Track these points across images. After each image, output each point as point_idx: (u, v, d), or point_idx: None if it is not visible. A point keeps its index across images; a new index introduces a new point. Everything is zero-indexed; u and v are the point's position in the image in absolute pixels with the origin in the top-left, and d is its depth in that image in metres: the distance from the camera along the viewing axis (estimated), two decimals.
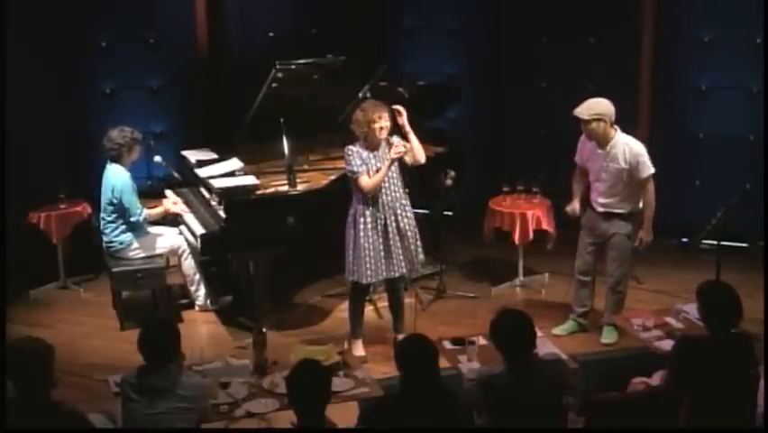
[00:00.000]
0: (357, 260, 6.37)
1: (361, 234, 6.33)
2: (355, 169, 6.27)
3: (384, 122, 6.27)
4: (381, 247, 6.36)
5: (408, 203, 6.50)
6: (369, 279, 6.43)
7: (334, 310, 7.36)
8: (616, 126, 6.43)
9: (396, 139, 6.40)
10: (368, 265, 6.36)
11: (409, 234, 6.45)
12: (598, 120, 6.36)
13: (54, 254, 7.80)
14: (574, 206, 6.73)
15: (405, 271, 6.51)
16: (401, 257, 6.43)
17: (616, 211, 6.53)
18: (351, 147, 6.33)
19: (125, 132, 7.12)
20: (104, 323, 7.28)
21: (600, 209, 6.59)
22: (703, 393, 4.66)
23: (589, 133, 6.43)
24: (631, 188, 6.47)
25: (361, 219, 6.33)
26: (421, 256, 6.56)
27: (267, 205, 6.82)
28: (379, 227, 6.34)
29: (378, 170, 6.29)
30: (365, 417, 4.45)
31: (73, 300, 7.73)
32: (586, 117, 6.37)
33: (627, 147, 6.40)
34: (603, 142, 6.43)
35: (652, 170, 6.42)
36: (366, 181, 6.28)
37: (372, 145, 6.32)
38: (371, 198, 6.31)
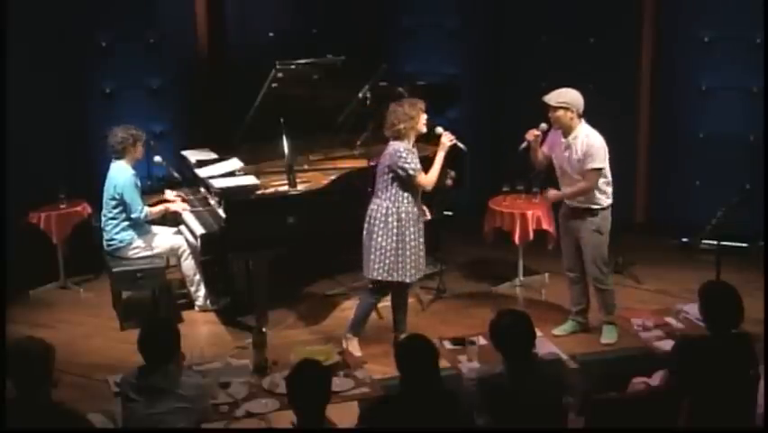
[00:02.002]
0: (402, 258, 6.33)
1: (407, 232, 6.32)
2: (416, 167, 6.25)
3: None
4: (420, 243, 6.40)
5: None
6: (412, 277, 6.44)
7: (334, 310, 7.36)
8: (582, 119, 6.46)
9: (440, 129, 6.43)
10: (411, 264, 6.37)
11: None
12: (565, 109, 6.41)
13: (54, 254, 7.80)
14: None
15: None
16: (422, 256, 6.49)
17: (582, 206, 6.55)
18: (401, 146, 6.26)
19: (129, 128, 7.17)
20: (104, 323, 7.28)
21: (568, 203, 6.63)
22: (703, 393, 4.66)
23: (555, 120, 6.47)
24: None
25: (406, 217, 6.31)
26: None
27: (267, 205, 6.82)
28: (419, 224, 6.38)
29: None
30: (365, 417, 4.44)
31: (73, 300, 7.73)
32: (553, 104, 6.42)
33: (586, 138, 6.44)
34: (567, 131, 6.48)
35: (598, 165, 6.41)
36: (425, 178, 6.29)
37: (412, 140, 6.32)
38: (418, 196, 6.34)
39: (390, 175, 6.30)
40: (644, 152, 8.66)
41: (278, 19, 9.09)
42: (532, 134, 6.58)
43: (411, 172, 6.25)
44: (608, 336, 6.76)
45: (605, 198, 6.55)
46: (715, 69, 8.29)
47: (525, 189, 7.75)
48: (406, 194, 6.32)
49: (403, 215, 6.32)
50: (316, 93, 7.19)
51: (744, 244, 7.95)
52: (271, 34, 9.01)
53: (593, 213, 6.54)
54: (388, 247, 6.33)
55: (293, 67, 7.02)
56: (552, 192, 6.70)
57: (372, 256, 6.37)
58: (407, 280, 6.44)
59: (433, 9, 9.14)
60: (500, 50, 9.04)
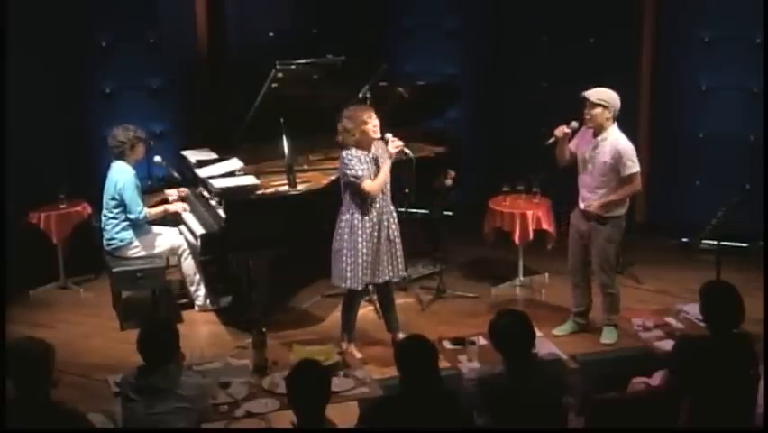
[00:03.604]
0: (354, 266, 6.30)
1: (359, 239, 6.28)
2: (358, 173, 6.19)
3: (375, 120, 6.26)
4: (377, 251, 6.33)
5: (393, 208, 6.47)
6: (363, 285, 6.40)
7: (334, 310, 7.34)
8: (615, 122, 6.45)
9: (389, 135, 6.39)
10: (364, 271, 6.32)
11: (397, 240, 6.43)
12: (603, 106, 6.40)
13: (54, 254, 7.80)
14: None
15: (392, 276, 6.48)
16: (388, 262, 6.40)
17: (597, 212, 6.53)
18: (348, 152, 6.24)
19: (129, 129, 7.17)
20: (104, 323, 7.28)
21: (583, 205, 6.61)
22: (703, 393, 4.66)
23: (591, 117, 6.46)
24: (613, 188, 6.48)
25: (360, 225, 6.27)
26: (402, 267, 6.53)
27: (267, 205, 6.82)
28: (375, 232, 6.30)
29: (377, 172, 6.27)
30: (365, 417, 4.45)
31: (73, 300, 7.73)
32: (593, 99, 6.42)
33: (616, 142, 6.43)
34: (598, 130, 6.47)
35: (635, 169, 6.43)
36: (369, 184, 6.22)
37: (366, 148, 6.29)
38: (370, 202, 6.28)
39: (342, 182, 6.32)
40: (644, 152, 8.62)
41: (278, 19, 9.09)
42: (561, 131, 6.57)
43: (352, 179, 6.21)
44: (608, 337, 6.75)
45: (620, 208, 6.55)
46: (715, 69, 8.29)
47: (525, 189, 7.74)
48: (357, 200, 6.27)
49: (356, 221, 6.28)
50: (316, 93, 7.18)
51: (744, 244, 7.95)
52: (271, 34, 9.01)
53: (606, 221, 6.52)
54: (342, 253, 6.33)
55: (293, 67, 7.03)
56: (592, 206, 6.54)
57: (332, 262, 6.40)
58: (359, 288, 6.41)
59: (433, 9, 9.14)
60: (500, 50, 9.03)
